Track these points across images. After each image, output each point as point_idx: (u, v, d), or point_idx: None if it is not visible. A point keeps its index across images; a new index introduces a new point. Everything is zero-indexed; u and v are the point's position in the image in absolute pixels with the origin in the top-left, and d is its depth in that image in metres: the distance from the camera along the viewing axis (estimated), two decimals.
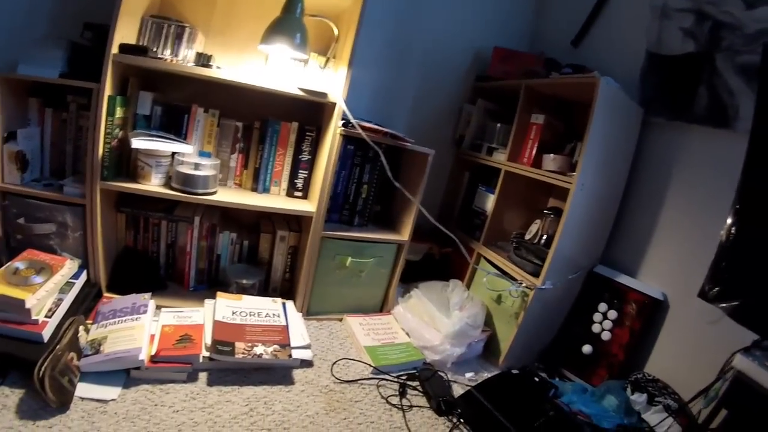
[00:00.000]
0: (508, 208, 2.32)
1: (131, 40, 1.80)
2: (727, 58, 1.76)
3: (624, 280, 1.98)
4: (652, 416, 1.64)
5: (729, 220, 1.47)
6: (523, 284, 1.95)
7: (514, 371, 1.88)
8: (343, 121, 1.95)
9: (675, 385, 1.75)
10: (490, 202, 2.32)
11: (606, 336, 1.95)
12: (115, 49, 1.67)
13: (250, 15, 2.06)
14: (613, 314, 1.95)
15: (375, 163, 2.13)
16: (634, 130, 2.01)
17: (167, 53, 1.87)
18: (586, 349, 1.98)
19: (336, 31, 2.00)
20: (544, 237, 2.12)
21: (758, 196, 1.45)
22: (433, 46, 2.59)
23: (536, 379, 1.84)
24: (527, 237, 2.23)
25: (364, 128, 1.95)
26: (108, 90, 1.69)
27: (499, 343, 2.09)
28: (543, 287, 1.89)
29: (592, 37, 2.44)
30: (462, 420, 1.62)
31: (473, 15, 2.65)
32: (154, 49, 1.85)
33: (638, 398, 1.70)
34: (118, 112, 1.76)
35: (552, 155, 2.01)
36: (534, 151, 2.12)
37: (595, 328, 1.99)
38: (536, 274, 1.93)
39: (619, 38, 2.26)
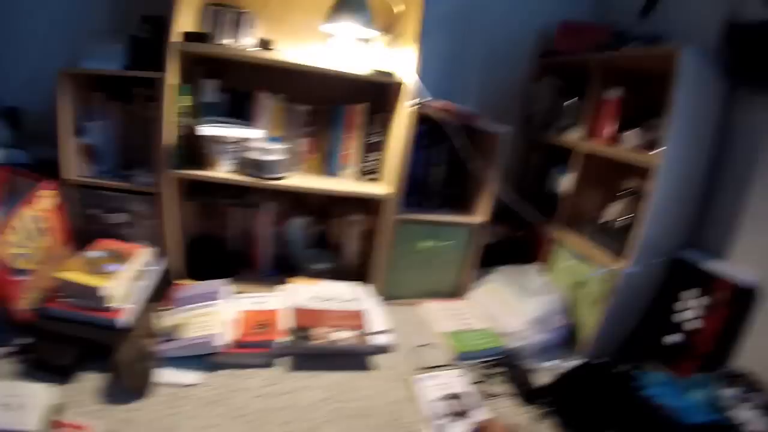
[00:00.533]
0: (584, 189, 2.24)
1: (191, 28, 1.83)
2: None
3: (713, 265, 1.87)
4: (741, 412, 1.55)
5: None
6: (607, 268, 1.89)
7: (596, 361, 1.84)
8: (415, 101, 1.93)
9: None
10: (565, 183, 2.26)
11: (693, 325, 1.85)
12: (177, 38, 1.70)
13: None
14: (700, 302, 1.85)
15: (447, 143, 2.10)
16: (719, 103, 1.90)
17: (228, 40, 1.89)
18: (672, 339, 1.89)
19: (400, 7, 1.99)
20: (624, 219, 2.04)
21: None
22: (496, 23, 2.54)
23: (619, 370, 1.79)
24: (606, 219, 2.16)
25: (437, 108, 1.93)
26: (172, 78, 1.72)
27: (580, 330, 2.04)
28: (629, 271, 1.83)
29: (664, 7, 2.30)
30: (546, 409, 1.59)
31: None
32: (216, 36, 1.88)
33: (727, 393, 1.61)
34: (184, 101, 1.80)
35: (631, 132, 1.94)
36: (610, 129, 2.05)
37: (681, 316, 1.90)
38: (619, 258, 1.88)
39: (691, 6, 2.14)
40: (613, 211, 2.12)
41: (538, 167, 2.57)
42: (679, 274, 1.95)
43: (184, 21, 1.75)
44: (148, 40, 1.85)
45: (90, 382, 1.39)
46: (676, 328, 1.90)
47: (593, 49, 2.15)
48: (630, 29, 2.22)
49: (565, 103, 2.34)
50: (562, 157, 2.28)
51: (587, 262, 2.02)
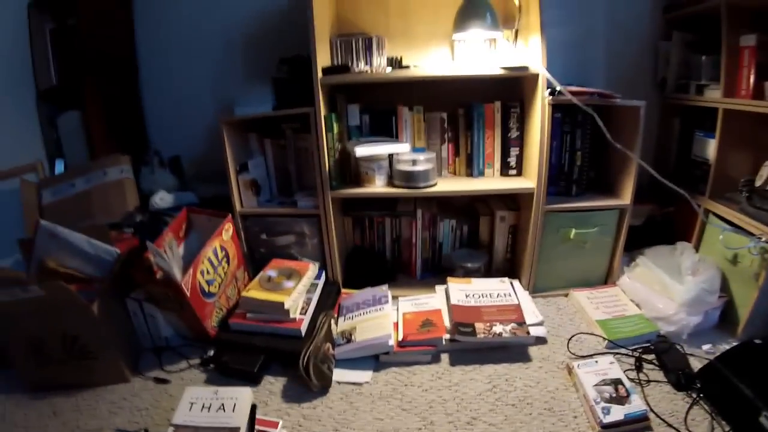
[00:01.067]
0: (732, 152, 2.11)
1: (326, 62, 2.02)
2: None
3: None
4: None
5: None
6: (764, 239, 1.78)
7: (758, 341, 1.70)
8: (548, 90, 1.97)
9: None
10: (710, 148, 2.15)
11: None
12: (319, 74, 1.90)
13: (424, 8, 2.19)
14: None
15: (585, 127, 2.12)
16: None
17: (362, 65, 2.06)
18: None
19: (518, 2, 2.05)
20: None
21: None
22: None
23: None
24: (759, 183, 1.96)
25: (573, 93, 1.95)
26: (323, 110, 1.93)
27: (737, 309, 1.94)
28: None
29: None
30: (703, 395, 1.56)
31: None
32: (350, 64, 2.05)
33: None
34: (335, 128, 2.00)
35: None
36: (752, 80, 1.92)
37: None
38: None
39: None
40: (765, 174, 1.95)
41: (681, 134, 2.46)
42: None
43: (321, 57, 1.93)
44: (288, 79, 2.08)
45: (275, 384, 1.64)
46: None
47: None
48: None
49: (701, 58, 2.21)
50: (705, 119, 2.17)
51: (742, 233, 1.91)
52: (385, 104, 2.18)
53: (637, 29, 2.52)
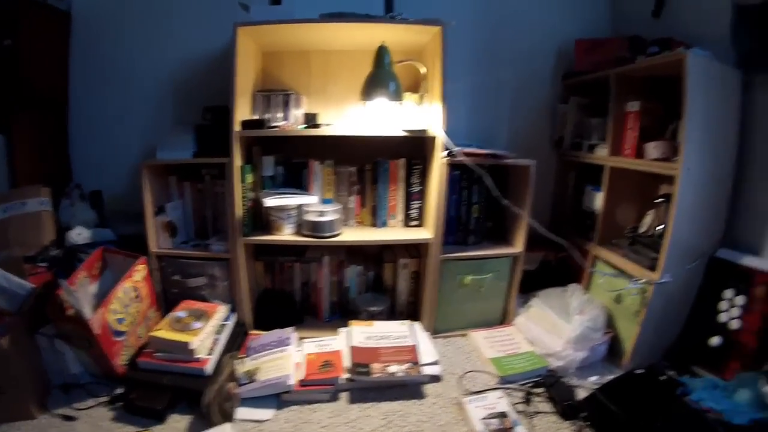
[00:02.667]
0: (618, 203, 2.31)
1: (247, 114, 2.16)
2: None
3: (749, 261, 1.88)
4: None
5: None
6: (641, 281, 1.96)
7: (639, 371, 1.84)
8: (446, 151, 2.12)
9: None
10: (598, 200, 2.33)
11: (735, 324, 1.87)
12: (237, 127, 2.02)
13: (343, 69, 2.38)
14: (740, 300, 1.86)
15: (481, 183, 2.26)
16: (735, 96, 1.91)
17: (279, 118, 2.21)
18: (715, 341, 1.91)
19: (423, 69, 2.21)
20: (659, 227, 2.05)
21: None
22: (518, 53, 2.69)
23: (662, 378, 1.79)
24: (642, 230, 2.19)
25: (465, 154, 2.11)
26: (237, 161, 2.04)
27: (622, 343, 2.11)
28: (662, 281, 1.89)
29: (672, 3, 2.32)
30: (587, 423, 1.68)
31: (550, 13, 2.69)
32: (268, 117, 2.19)
33: None
34: (248, 178, 2.11)
35: (653, 143, 1.98)
36: (635, 141, 2.11)
37: (723, 317, 1.91)
38: (653, 268, 1.92)
39: None
40: (647, 222, 2.18)
41: (574, 187, 2.65)
42: (717, 274, 1.98)
43: (241, 109, 2.07)
44: (211, 127, 2.19)
45: (181, 422, 1.66)
46: (720, 329, 1.92)
47: (612, 63, 2.22)
48: (645, 33, 2.27)
49: (593, 121, 2.43)
50: (595, 174, 2.35)
51: (623, 276, 2.09)
52: (299, 156, 2.32)
53: (540, 93, 2.77)
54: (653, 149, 1.99)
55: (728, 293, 1.92)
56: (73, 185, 2.37)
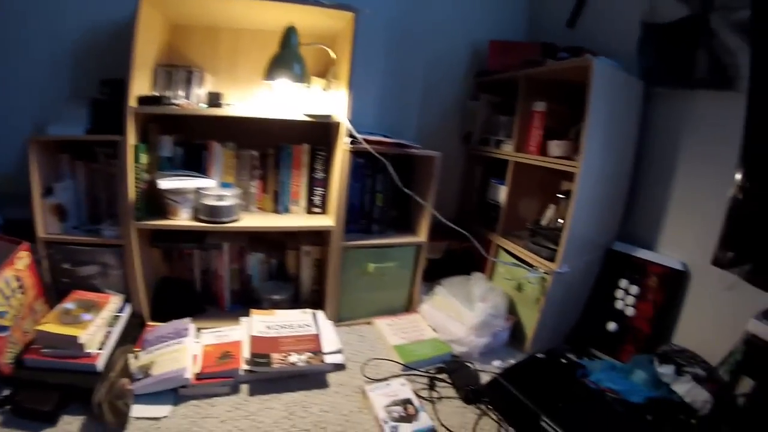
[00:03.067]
0: (521, 197, 2.41)
1: (146, 90, 2.01)
2: (722, 18, 1.75)
3: (643, 254, 2.05)
4: (681, 386, 1.67)
5: (735, 183, 1.52)
6: (541, 270, 2.04)
7: (540, 355, 1.95)
8: (350, 138, 2.10)
9: (704, 354, 1.79)
10: (502, 193, 2.42)
11: (630, 312, 2.02)
12: (133, 102, 1.88)
13: (253, 49, 2.27)
14: (634, 289, 2.03)
15: (386, 172, 2.26)
16: (637, 105, 2.06)
17: (180, 97, 2.08)
18: (611, 326, 2.06)
19: (333, 55, 2.17)
20: (560, 221, 2.18)
21: (760, 156, 1.49)
22: (433, 47, 2.71)
23: (563, 361, 1.92)
24: (543, 223, 2.31)
25: (369, 142, 2.09)
26: (131, 140, 1.90)
27: (524, 329, 2.19)
28: (560, 271, 1.97)
29: (587, 16, 2.48)
30: (490, 407, 1.73)
31: (467, 12, 2.75)
32: (168, 95, 2.06)
33: (666, 370, 1.73)
34: (143, 158, 1.97)
35: (556, 142, 2.09)
36: (539, 139, 2.20)
37: (619, 304, 2.07)
38: (552, 259, 2.02)
39: (612, 13, 2.30)
40: (548, 216, 2.30)
41: (481, 180, 2.73)
42: (613, 265, 2.13)
43: (140, 83, 1.93)
44: (108, 102, 2.04)
45: (73, 424, 1.53)
46: (616, 315, 2.07)
47: (523, 65, 2.30)
48: (558, 41, 2.40)
49: (501, 118, 2.50)
50: (501, 169, 2.43)
51: (525, 266, 2.16)
52: (199, 138, 2.20)
53: (452, 88, 2.82)
54: (556, 147, 2.10)
55: (623, 283, 2.08)
56: None
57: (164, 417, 1.60)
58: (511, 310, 2.23)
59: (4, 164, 2.22)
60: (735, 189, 1.52)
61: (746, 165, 1.51)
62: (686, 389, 1.65)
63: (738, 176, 1.53)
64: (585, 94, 1.87)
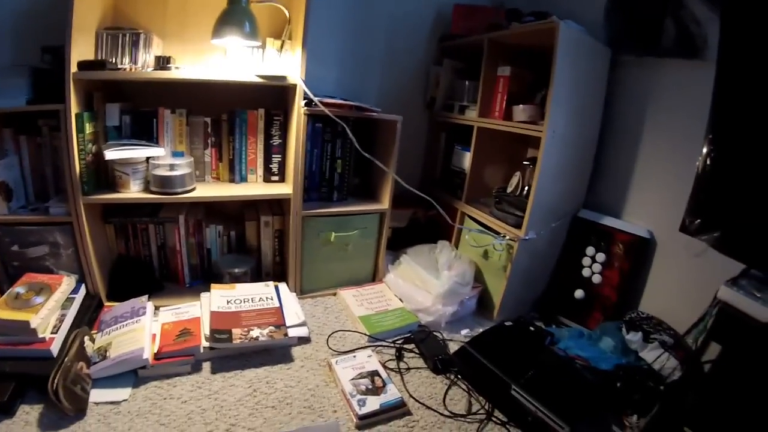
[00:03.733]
0: (486, 163, 2.39)
1: (89, 55, 1.88)
2: None
3: (609, 221, 2.05)
4: (648, 353, 1.69)
5: (703, 151, 1.49)
6: (507, 237, 2.02)
7: (508, 323, 1.95)
8: (306, 101, 2.03)
9: (670, 321, 1.81)
10: (467, 160, 2.39)
11: (597, 279, 2.04)
12: (74, 68, 1.76)
13: (203, 10, 2.12)
14: (601, 257, 2.03)
15: (345, 137, 2.20)
16: (603, 72, 2.04)
17: (126, 62, 1.96)
18: (579, 293, 2.07)
19: (287, 14, 2.07)
20: (526, 188, 2.15)
21: (729, 124, 1.47)
22: (395, 10, 2.61)
23: (531, 329, 1.92)
24: (509, 190, 2.27)
25: (326, 104, 2.02)
26: (74, 108, 1.78)
27: (491, 297, 2.19)
28: (526, 238, 1.96)
29: None
30: (459, 376, 1.73)
31: None
32: (113, 60, 1.94)
33: (633, 337, 1.75)
34: (88, 128, 1.86)
35: (521, 106, 2.06)
36: (503, 105, 2.17)
37: (585, 272, 2.08)
38: (518, 226, 2.00)
39: None
40: (513, 183, 2.25)
41: (445, 147, 2.69)
42: (579, 233, 2.12)
43: (82, 49, 1.81)
44: (51, 70, 1.89)
45: (31, 413, 1.46)
46: (583, 283, 2.07)
47: (488, 28, 2.25)
48: (523, 7, 2.31)
49: (465, 83, 2.45)
50: (466, 135, 2.40)
51: (490, 233, 2.14)
52: (148, 105, 2.08)
53: (414, 53, 2.73)
54: (521, 112, 2.06)
55: (590, 250, 2.08)
56: None
57: (124, 400, 1.54)
58: (478, 278, 2.22)
59: None
60: (703, 157, 1.51)
61: (714, 133, 1.50)
62: (654, 356, 1.67)
63: (705, 144, 1.52)
64: (550, 58, 1.84)
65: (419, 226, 2.62)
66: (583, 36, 1.94)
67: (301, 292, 2.26)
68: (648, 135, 1.98)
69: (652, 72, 1.95)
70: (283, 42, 2.11)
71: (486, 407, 1.59)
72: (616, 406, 1.55)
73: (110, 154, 1.85)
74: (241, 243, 2.35)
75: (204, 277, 2.28)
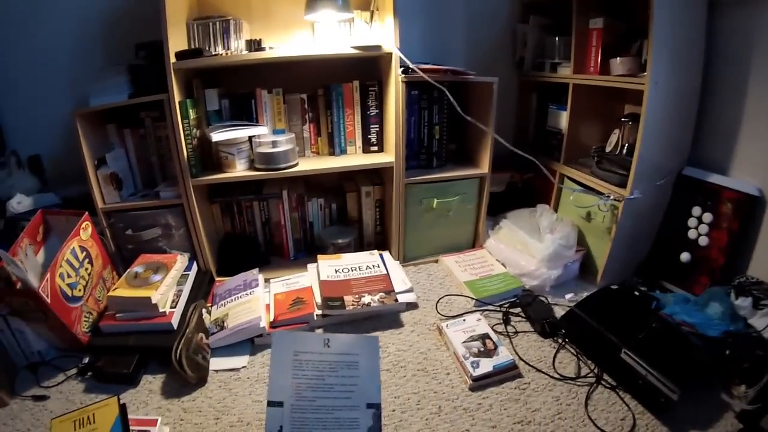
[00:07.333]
0: (583, 122, 2.31)
1: (183, 46, 1.97)
2: None
3: (715, 179, 1.92)
4: (759, 320, 1.62)
5: None
6: (611, 197, 1.96)
7: (614, 287, 1.89)
8: (402, 68, 2.04)
9: None
10: (563, 119, 2.32)
11: (703, 241, 1.93)
12: (172, 58, 1.85)
13: None
14: (708, 217, 1.91)
15: (441, 102, 2.21)
16: (701, 16, 1.89)
17: (220, 49, 2.04)
18: (684, 256, 1.97)
19: None
20: (626, 146, 2.09)
21: None
22: None
23: (636, 293, 1.85)
24: (608, 149, 2.21)
25: (423, 70, 2.02)
26: (177, 96, 1.88)
27: (594, 261, 2.14)
28: (632, 197, 1.90)
29: None
30: (567, 339, 1.72)
31: None
32: (207, 48, 2.02)
33: (743, 303, 1.67)
34: (191, 114, 1.96)
35: (618, 59, 1.96)
36: (599, 58, 2.08)
37: (692, 234, 1.97)
38: (623, 185, 1.94)
39: None
40: (613, 141, 2.19)
41: (537, 107, 2.64)
42: (684, 192, 2.02)
43: (176, 41, 1.89)
44: (146, 65, 2.01)
45: (154, 383, 1.59)
46: (689, 245, 1.98)
47: None
48: None
49: (555, 39, 2.38)
50: (559, 94, 2.34)
51: (593, 193, 2.09)
52: (244, 88, 2.17)
53: (498, 12, 2.66)
54: (619, 65, 1.97)
55: (696, 210, 1.97)
56: (8, 153, 2.18)
57: (243, 367, 1.64)
58: (580, 241, 2.17)
59: (57, 147, 2.26)
60: None
61: None
62: (765, 323, 1.60)
63: None
64: (643, 5, 1.74)
65: (516, 191, 2.59)
66: None
67: (404, 259, 2.31)
68: (756, 83, 1.83)
69: (756, 13, 1.79)
70: (372, 12, 2.13)
71: (595, 371, 1.58)
72: (725, 374, 1.49)
73: (216, 136, 1.94)
74: (342, 214, 2.42)
75: (307, 249, 2.38)
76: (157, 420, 1.38)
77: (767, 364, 1.43)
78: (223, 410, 1.46)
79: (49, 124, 2.22)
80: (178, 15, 1.94)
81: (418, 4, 2.47)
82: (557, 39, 2.37)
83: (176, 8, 1.91)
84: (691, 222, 1.98)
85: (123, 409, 1.31)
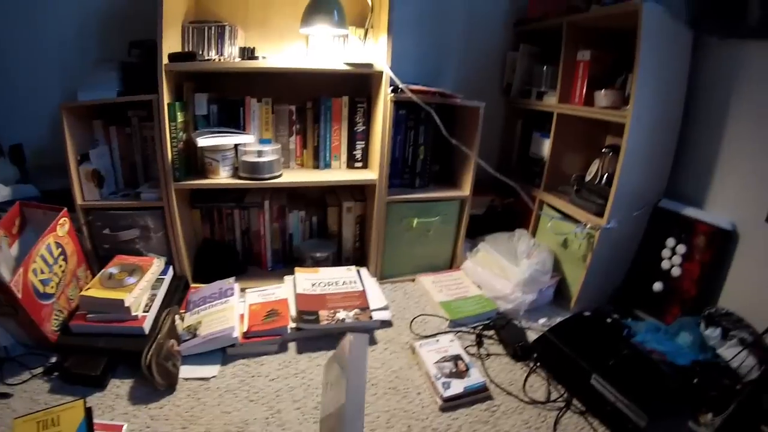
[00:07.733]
0: (565, 150, 2.35)
1: (177, 49, 1.97)
2: None
3: (690, 212, 1.96)
4: (727, 351, 1.65)
5: None
6: (588, 225, 2.00)
7: (587, 314, 1.93)
8: (392, 87, 2.06)
9: (750, 317, 1.75)
10: (546, 147, 2.36)
11: (676, 272, 1.97)
12: (165, 60, 1.85)
13: (284, 1, 2.19)
14: (681, 248, 1.96)
15: (428, 123, 2.22)
16: (685, 54, 1.96)
17: (213, 54, 2.05)
18: (657, 286, 2.01)
19: (370, 2, 2.11)
20: (605, 176, 2.13)
21: None
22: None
23: (608, 321, 1.89)
24: (588, 178, 2.25)
25: (413, 91, 2.05)
26: (166, 98, 1.88)
27: (569, 287, 2.18)
28: (608, 226, 1.93)
29: None
30: (539, 363, 1.74)
31: None
32: (200, 52, 2.03)
33: (712, 333, 1.70)
34: (179, 117, 1.95)
35: (603, 91, 2.01)
36: (584, 90, 2.13)
37: (665, 264, 2.01)
38: (600, 214, 1.97)
39: None
40: (593, 170, 2.24)
41: (522, 134, 2.67)
42: (660, 223, 2.06)
43: (171, 42, 1.90)
44: (139, 64, 2.00)
45: (121, 387, 1.56)
46: (662, 275, 2.02)
47: (564, 12, 2.21)
48: None
49: (543, 68, 2.42)
50: (543, 122, 2.38)
51: (570, 221, 2.13)
52: (234, 94, 2.17)
53: (490, 39, 2.71)
54: (603, 97, 2.01)
55: (670, 242, 2.01)
56: None
57: (213, 377, 1.63)
58: (556, 267, 2.21)
59: (41, 138, 2.23)
60: None
61: None
62: (733, 354, 1.63)
63: None
64: (631, 41, 1.80)
65: (495, 214, 2.62)
66: (666, 17, 1.85)
67: (382, 277, 2.32)
68: (733, 121, 1.89)
69: (737, 53, 1.86)
70: (367, 30, 2.16)
71: (565, 396, 1.60)
72: (692, 403, 1.52)
73: (202, 141, 1.95)
74: (322, 228, 2.43)
75: (285, 261, 2.37)
76: (122, 426, 1.37)
77: (734, 393, 1.46)
78: (191, 419, 1.44)
79: (34, 115, 2.21)
80: (175, 16, 1.95)
81: (413, 25, 2.50)
82: (545, 68, 2.41)
83: (174, 9, 1.92)
84: (665, 253, 2.03)
85: (89, 412, 1.30)
